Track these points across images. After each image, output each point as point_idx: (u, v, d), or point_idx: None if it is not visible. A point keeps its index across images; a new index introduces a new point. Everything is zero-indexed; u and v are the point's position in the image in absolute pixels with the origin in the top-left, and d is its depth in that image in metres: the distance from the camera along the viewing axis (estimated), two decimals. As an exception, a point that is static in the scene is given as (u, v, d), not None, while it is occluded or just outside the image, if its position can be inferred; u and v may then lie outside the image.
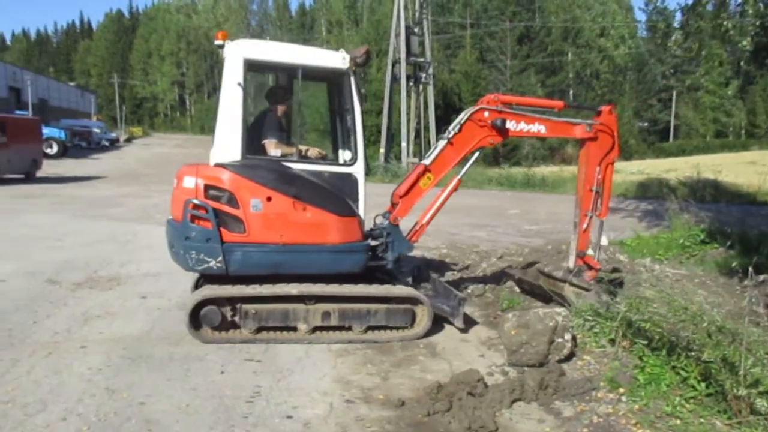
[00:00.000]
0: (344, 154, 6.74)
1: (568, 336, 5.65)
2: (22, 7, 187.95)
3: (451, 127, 6.94)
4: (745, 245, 10.24)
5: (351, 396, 5.01)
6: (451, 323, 6.67)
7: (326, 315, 6.28)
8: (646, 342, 5.50)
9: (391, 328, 6.46)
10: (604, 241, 10.34)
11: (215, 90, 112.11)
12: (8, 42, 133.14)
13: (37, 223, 13.67)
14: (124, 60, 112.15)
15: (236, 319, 6.15)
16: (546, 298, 7.37)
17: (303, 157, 6.47)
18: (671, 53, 65.62)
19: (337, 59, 6.38)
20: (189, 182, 6.08)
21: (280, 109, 6.84)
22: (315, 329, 6.29)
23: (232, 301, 6.12)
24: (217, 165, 6.11)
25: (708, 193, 21.69)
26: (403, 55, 35.20)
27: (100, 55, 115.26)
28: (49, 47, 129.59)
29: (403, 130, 35.65)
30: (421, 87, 37.65)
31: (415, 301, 6.48)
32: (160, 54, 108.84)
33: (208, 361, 5.66)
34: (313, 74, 6.88)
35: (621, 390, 5.04)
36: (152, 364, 5.54)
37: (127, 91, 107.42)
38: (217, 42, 6.21)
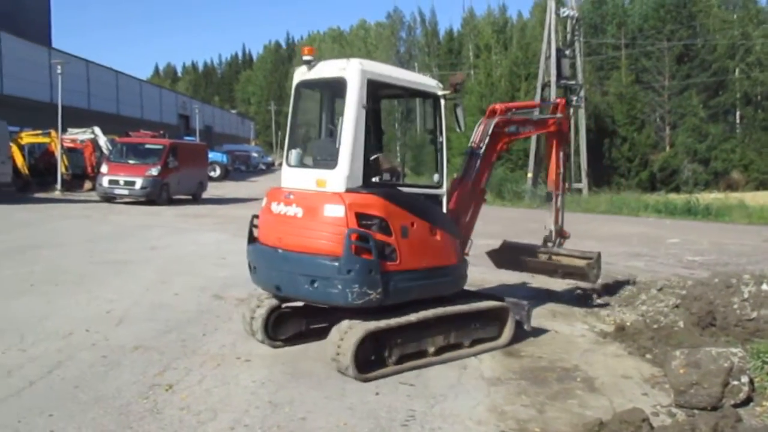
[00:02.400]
0: (434, 177, 6.80)
1: (744, 379, 5.18)
2: (192, 42, 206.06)
3: (479, 142, 7.55)
4: None
5: (506, 427, 4.89)
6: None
7: (447, 335, 6.44)
8: (839, 391, 4.93)
9: (484, 341, 6.85)
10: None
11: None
12: (179, 74, 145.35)
13: (203, 241, 14.72)
14: (280, 88, 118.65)
15: (385, 352, 5.97)
16: (533, 269, 9.02)
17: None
18: None
19: (433, 85, 6.73)
20: (335, 211, 5.73)
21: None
22: (438, 350, 6.39)
23: (383, 333, 5.91)
24: (355, 191, 5.86)
25: None
26: (553, 78, 34.57)
27: (259, 84, 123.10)
28: (214, 78, 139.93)
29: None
30: (571, 110, 36.67)
31: (503, 312, 6.95)
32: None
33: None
34: (415, 96, 7.05)
35: (810, 443, 4.55)
36: (311, 380, 5.72)
37: (283, 117, 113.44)
38: (306, 57, 6.33)
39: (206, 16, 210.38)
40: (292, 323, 6.71)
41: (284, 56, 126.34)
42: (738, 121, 57.46)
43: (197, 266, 11.36)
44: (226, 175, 44.85)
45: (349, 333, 5.70)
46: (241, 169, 56.02)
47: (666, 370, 5.53)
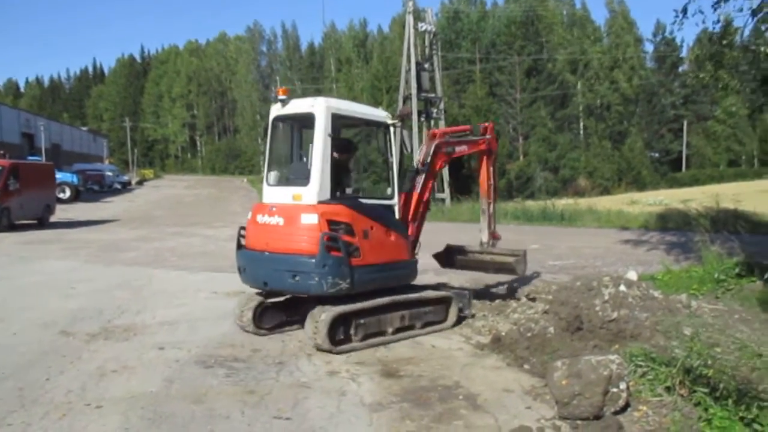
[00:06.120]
0: (387, 190, 8.32)
1: (623, 385, 5.17)
2: (35, 54, 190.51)
3: (423, 161, 8.83)
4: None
5: (391, 458, 4.57)
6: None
7: (402, 318, 7.85)
8: (707, 390, 5.03)
9: (434, 323, 8.31)
10: (633, 275, 9.91)
11: (225, 131, 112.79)
12: (22, 89, 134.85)
13: (50, 270, 13.40)
14: (135, 104, 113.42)
15: (351, 331, 7.29)
16: (481, 268, 10.22)
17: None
18: (681, 83, 65.56)
19: (384, 115, 8.21)
20: (310, 219, 7.08)
21: (343, 155, 7.82)
22: (396, 330, 7.78)
23: (350, 316, 7.26)
24: (326, 203, 7.21)
25: (731, 224, 21.06)
26: (414, 91, 35.19)
27: (112, 99, 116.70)
28: (62, 93, 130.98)
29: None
30: (432, 122, 37.53)
31: (449, 300, 8.52)
32: (171, 96, 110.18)
33: (234, 420, 5.23)
34: (369, 126, 8.50)
35: (689, 446, 4.58)
36: (173, 424, 5.12)
37: (139, 134, 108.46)
38: (281, 97, 7.63)
39: (51, 28, 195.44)
40: (274, 316, 8.06)
41: (139, 70, 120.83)
42: (582, 131, 61.71)
43: (42, 299, 10.22)
44: (77, 197, 41.81)
45: (322, 315, 6.97)
46: (94, 189, 52.46)
47: (548, 382, 5.44)
